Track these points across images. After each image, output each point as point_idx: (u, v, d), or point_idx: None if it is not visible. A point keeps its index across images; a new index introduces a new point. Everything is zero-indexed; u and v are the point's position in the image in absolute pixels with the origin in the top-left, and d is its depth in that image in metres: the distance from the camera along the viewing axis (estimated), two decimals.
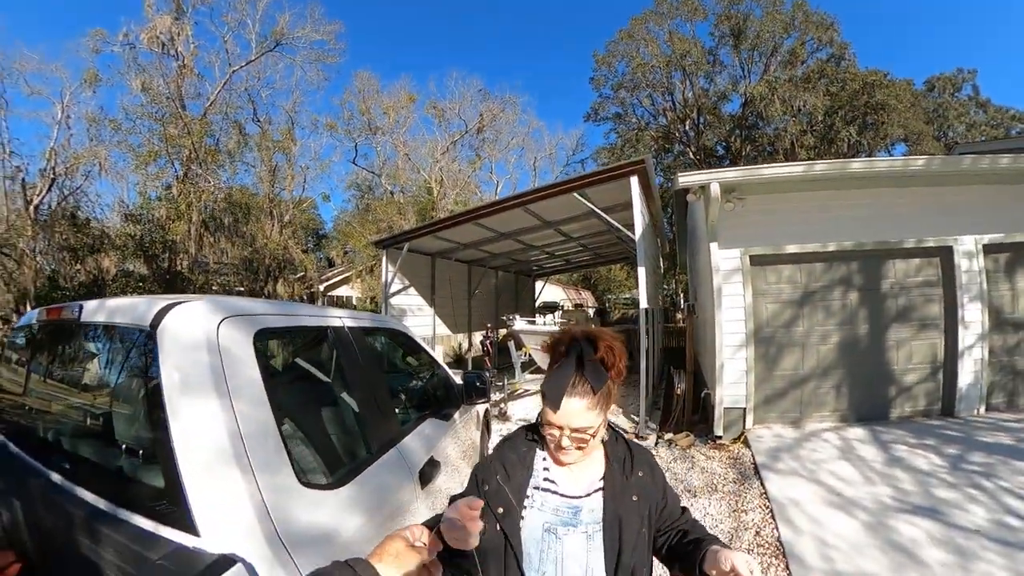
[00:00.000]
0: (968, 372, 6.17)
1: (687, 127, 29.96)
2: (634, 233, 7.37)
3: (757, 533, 3.87)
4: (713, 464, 5.64)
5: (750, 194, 6.43)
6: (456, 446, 3.07)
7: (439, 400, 3.17)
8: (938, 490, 4.17)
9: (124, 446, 1.36)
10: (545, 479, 1.24)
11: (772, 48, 27.21)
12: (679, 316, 22.45)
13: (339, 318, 2.20)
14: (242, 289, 16.90)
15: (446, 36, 69.93)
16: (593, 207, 7.90)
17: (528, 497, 1.21)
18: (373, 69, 29.48)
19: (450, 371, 3.53)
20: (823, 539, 3.57)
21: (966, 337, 6.19)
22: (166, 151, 15.35)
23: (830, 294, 6.48)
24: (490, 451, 4.58)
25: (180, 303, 1.41)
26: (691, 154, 28.97)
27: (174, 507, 1.15)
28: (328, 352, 2.10)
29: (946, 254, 6.31)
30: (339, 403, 2.11)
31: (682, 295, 28.65)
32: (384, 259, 10.94)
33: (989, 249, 6.30)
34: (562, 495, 1.22)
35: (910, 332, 6.38)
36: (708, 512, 4.45)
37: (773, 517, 4.02)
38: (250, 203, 17.76)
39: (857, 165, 6.25)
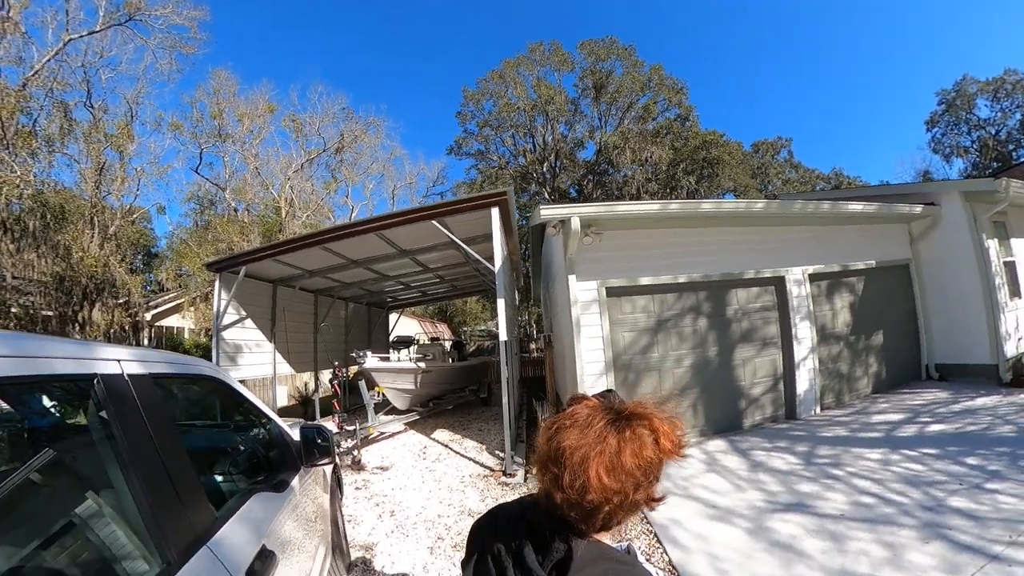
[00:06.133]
0: (804, 380, 7.11)
1: (544, 169, 31.60)
2: (494, 265, 7.17)
3: (648, 559, 3.70)
4: None
5: (608, 229, 6.68)
6: (297, 521, 2.38)
7: (271, 465, 2.49)
8: (800, 485, 4.58)
9: None
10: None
11: (628, 104, 30.34)
12: (532, 347, 22.89)
13: (115, 360, 1.46)
14: (50, 313, 13.67)
15: (317, 47, 65.97)
16: (452, 237, 7.56)
17: None
18: (233, 69, 26.95)
19: (285, 424, 2.83)
20: (713, 553, 3.58)
21: (800, 351, 7.13)
22: None
23: (682, 321, 6.92)
24: (342, 512, 3.94)
25: None
26: (547, 194, 30.52)
27: None
28: (93, 415, 1.33)
29: (780, 283, 7.25)
30: (109, 493, 1.37)
31: (535, 327, 29.48)
32: (217, 285, 9.39)
33: (813, 278, 7.46)
34: None
35: (754, 350, 7.12)
36: None
37: (659, 541, 3.95)
38: (67, 206, 14.45)
39: (707, 206, 6.97)
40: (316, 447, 2.65)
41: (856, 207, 7.54)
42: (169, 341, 18.16)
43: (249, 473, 2.38)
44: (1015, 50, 56.19)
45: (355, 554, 4.23)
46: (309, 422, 2.92)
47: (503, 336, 6.91)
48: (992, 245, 7.90)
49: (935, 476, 4.32)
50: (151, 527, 1.32)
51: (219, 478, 2.25)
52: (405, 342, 12.80)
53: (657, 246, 6.88)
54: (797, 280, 7.26)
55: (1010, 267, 8.25)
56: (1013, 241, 8.45)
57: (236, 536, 1.67)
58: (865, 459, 5.01)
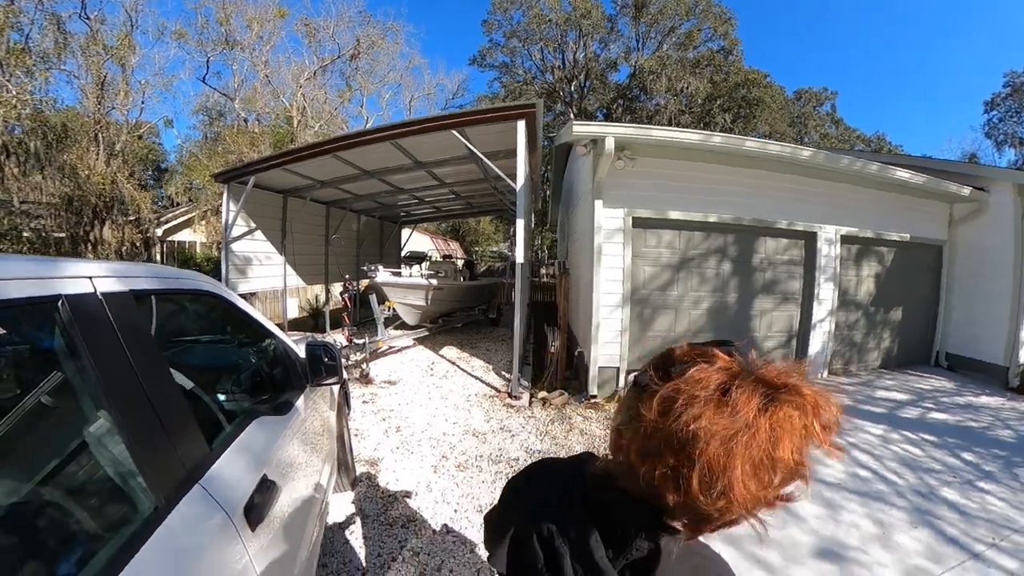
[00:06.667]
0: (817, 341, 7.00)
1: (572, 88, 30.08)
2: (515, 183, 6.79)
3: None
4: (592, 425, 5.53)
5: (641, 155, 6.27)
6: (302, 444, 2.23)
7: (275, 385, 2.33)
8: None
9: None
10: None
11: (670, 28, 28.26)
12: (543, 271, 22.73)
13: (86, 278, 1.22)
14: (62, 235, 13.48)
15: None
16: (473, 149, 7.16)
17: None
18: None
19: (290, 341, 2.63)
20: None
21: (819, 312, 6.95)
22: None
23: (706, 262, 6.69)
24: (348, 427, 3.87)
25: None
26: (573, 115, 29.08)
27: None
28: (60, 343, 1.12)
29: (811, 239, 6.96)
30: (84, 433, 1.21)
31: (547, 251, 29.08)
32: (225, 196, 9.06)
33: (845, 239, 7.18)
34: None
35: (773, 303, 6.94)
36: None
37: None
38: (70, 124, 13.58)
39: (751, 144, 6.38)
40: (323, 365, 2.47)
41: (904, 174, 7.08)
42: (180, 256, 18.09)
43: (251, 393, 2.23)
44: None
45: (360, 469, 4.22)
46: (316, 339, 2.73)
47: (519, 259, 6.69)
48: None
49: (931, 464, 4.42)
50: (134, 468, 1.15)
51: (219, 400, 2.08)
52: (417, 258, 12.65)
53: (690, 180, 6.48)
54: (829, 239, 7.00)
55: None
56: None
57: (233, 469, 1.52)
58: (866, 432, 5.06)
